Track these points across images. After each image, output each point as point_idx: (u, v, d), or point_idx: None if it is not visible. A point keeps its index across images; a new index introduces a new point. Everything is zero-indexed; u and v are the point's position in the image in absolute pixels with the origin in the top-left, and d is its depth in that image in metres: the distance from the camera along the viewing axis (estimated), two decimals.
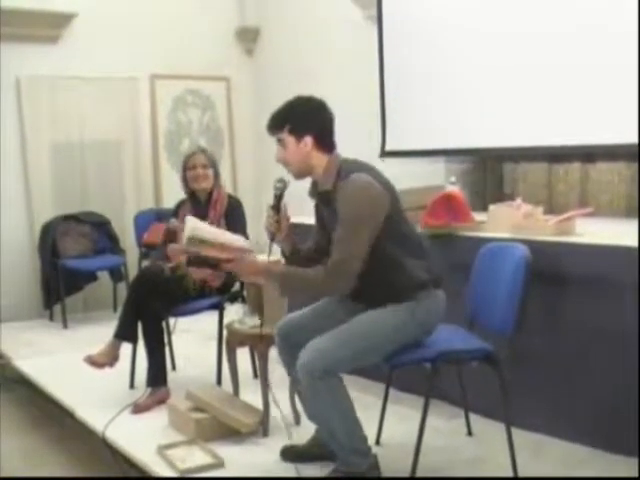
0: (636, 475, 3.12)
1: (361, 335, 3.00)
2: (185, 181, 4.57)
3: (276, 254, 3.30)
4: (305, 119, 3.09)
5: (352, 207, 2.93)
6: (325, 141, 3.10)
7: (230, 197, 4.58)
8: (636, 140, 3.96)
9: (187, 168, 4.52)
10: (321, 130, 3.10)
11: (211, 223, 4.44)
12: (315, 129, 3.08)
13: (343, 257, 2.92)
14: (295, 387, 3.56)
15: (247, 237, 4.50)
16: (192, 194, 4.57)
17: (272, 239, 3.19)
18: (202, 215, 4.46)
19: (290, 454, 3.44)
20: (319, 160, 3.08)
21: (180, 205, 4.65)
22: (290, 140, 3.08)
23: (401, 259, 3.03)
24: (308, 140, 3.06)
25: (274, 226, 3.18)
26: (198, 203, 4.53)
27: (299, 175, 3.14)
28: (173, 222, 4.43)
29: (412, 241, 3.09)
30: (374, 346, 3.02)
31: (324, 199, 3.12)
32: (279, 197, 3.20)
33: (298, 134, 3.07)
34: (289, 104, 3.16)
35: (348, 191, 2.95)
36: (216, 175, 4.55)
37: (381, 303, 3.05)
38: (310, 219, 3.42)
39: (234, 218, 4.47)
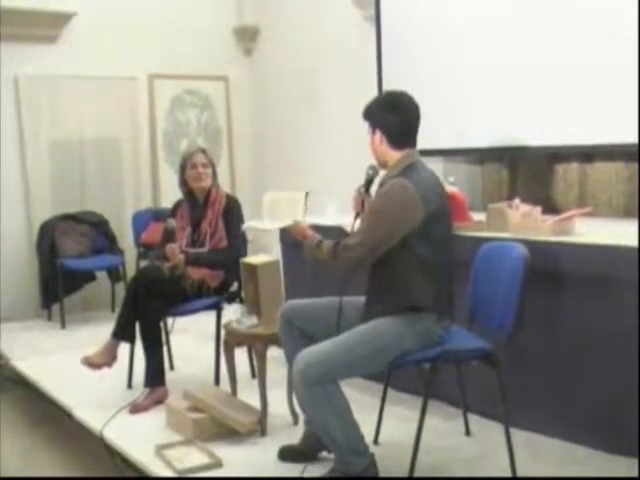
0: (635, 475, 3.12)
1: (358, 344, 3.01)
2: (183, 181, 4.57)
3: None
4: (377, 114, 3.23)
5: (381, 203, 3.10)
6: (395, 138, 3.20)
7: (228, 197, 4.59)
8: (633, 140, 3.95)
9: (187, 167, 4.52)
10: (391, 127, 3.19)
11: (209, 222, 4.45)
12: (384, 125, 3.20)
13: (351, 243, 3.08)
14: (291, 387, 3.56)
15: (244, 236, 4.51)
16: (190, 194, 4.57)
17: (355, 218, 3.32)
18: (200, 214, 4.47)
19: (288, 454, 3.45)
20: (391, 155, 3.21)
21: (178, 205, 4.66)
22: (371, 133, 3.25)
23: (409, 278, 3.06)
24: (378, 134, 3.21)
25: (359, 207, 3.37)
26: (196, 202, 4.53)
27: (379, 164, 3.31)
28: (171, 222, 4.43)
29: (429, 266, 3.07)
30: (370, 356, 3.02)
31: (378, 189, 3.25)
32: (368, 182, 3.39)
33: (373, 127, 3.24)
34: (375, 97, 3.34)
35: (385, 189, 3.10)
36: (214, 175, 4.56)
37: (383, 313, 3.09)
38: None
39: (232, 217, 4.47)
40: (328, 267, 3.25)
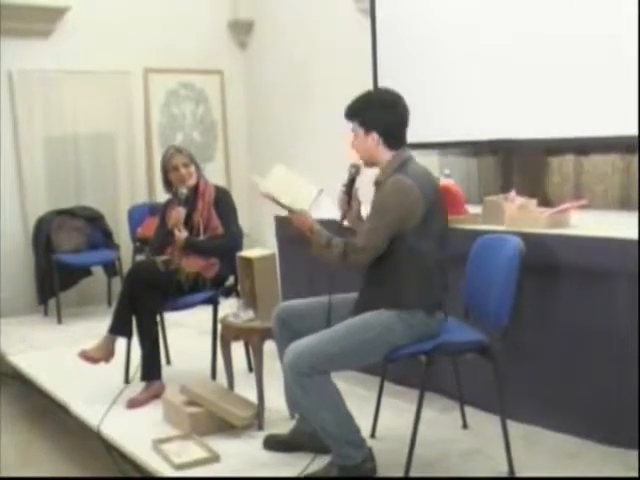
0: (634, 467, 3.12)
1: (347, 335, 3.01)
2: (167, 182, 4.54)
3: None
4: (375, 116, 3.15)
5: (384, 202, 3.06)
6: (392, 138, 3.16)
7: (217, 188, 4.57)
8: (629, 132, 3.95)
9: (169, 170, 4.50)
10: (389, 128, 3.15)
11: (201, 213, 4.42)
12: (383, 126, 3.14)
13: (362, 244, 3.05)
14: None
15: (238, 226, 4.50)
16: (176, 193, 4.51)
17: (342, 218, 3.30)
18: (191, 207, 4.44)
19: (273, 444, 3.47)
20: (384, 155, 3.17)
21: (169, 203, 4.60)
22: (360, 132, 3.18)
23: (405, 276, 3.05)
24: (375, 136, 3.15)
25: (344, 207, 3.30)
26: (186, 198, 4.46)
27: (366, 164, 3.25)
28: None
29: (426, 263, 3.08)
30: (360, 347, 3.02)
31: (377, 189, 3.21)
32: (351, 181, 3.31)
33: (367, 128, 3.15)
34: (365, 96, 3.23)
35: (388, 187, 3.07)
36: (197, 168, 4.53)
37: (375, 307, 3.08)
38: None
39: (224, 207, 4.47)
40: (330, 260, 3.19)
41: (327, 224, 3.25)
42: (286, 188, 3.32)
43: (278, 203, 3.30)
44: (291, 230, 3.34)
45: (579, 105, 4.25)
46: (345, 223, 3.29)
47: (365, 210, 3.30)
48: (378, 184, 3.17)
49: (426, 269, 3.07)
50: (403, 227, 3.02)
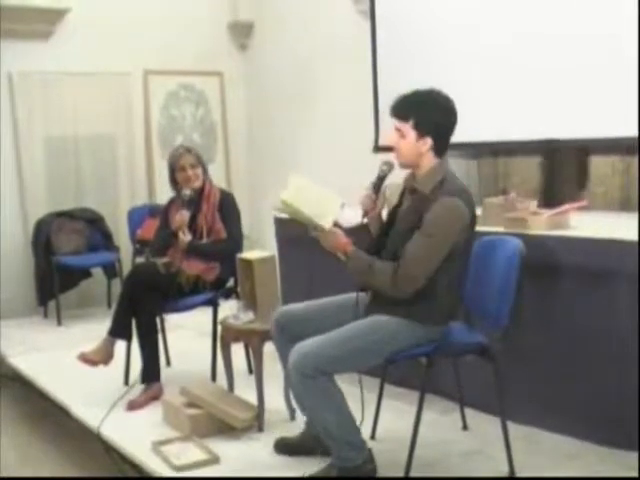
0: (634, 468, 3.12)
1: (353, 337, 2.99)
2: (174, 181, 4.53)
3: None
4: (433, 120, 3.04)
5: (443, 230, 2.95)
6: (442, 145, 3.07)
7: (222, 191, 4.58)
8: (629, 133, 3.95)
9: (176, 170, 4.49)
10: (442, 133, 3.06)
11: (205, 216, 4.42)
12: (437, 131, 3.04)
13: (415, 274, 2.95)
14: (287, 382, 3.55)
15: (241, 229, 4.50)
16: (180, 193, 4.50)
17: (364, 215, 3.19)
18: (195, 209, 4.44)
19: (283, 447, 3.46)
20: (429, 160, 3.06)
21: (172, 202, 4.61)
22: (411, 134, 3.05)
23: (437, 296, 3.02)
24: (428, 140, 3.03)
25: (369, 204, 3.18)
26: (191, 199, 4.47)
27: (405, 165, 3.14)
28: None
29: (457, 282, 3.09)
30: (365, 349, 3.00)
31: (414, 197, 3.10)
32: (382, 178, 3.21)
33: (421, 132, 3.03)
34: (420, 97, 3.10)
35: (444, 212, 2.95)
36: (204, 170, 4.53)
37: (390, 312, 3.05)
38: None
39: (228, 210, 4.46)
40: (374, 285, 3.08)
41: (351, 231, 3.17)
42: (307, 200, 3.13)
43: (301, 219, 3.13)
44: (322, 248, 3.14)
45: (579, 106, 4.25)
46: (365, 220, 3.20)
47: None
48: (416, 192, 3.08)
49: (451, 286, 3.06)
50: (450, 251, 2.98)
